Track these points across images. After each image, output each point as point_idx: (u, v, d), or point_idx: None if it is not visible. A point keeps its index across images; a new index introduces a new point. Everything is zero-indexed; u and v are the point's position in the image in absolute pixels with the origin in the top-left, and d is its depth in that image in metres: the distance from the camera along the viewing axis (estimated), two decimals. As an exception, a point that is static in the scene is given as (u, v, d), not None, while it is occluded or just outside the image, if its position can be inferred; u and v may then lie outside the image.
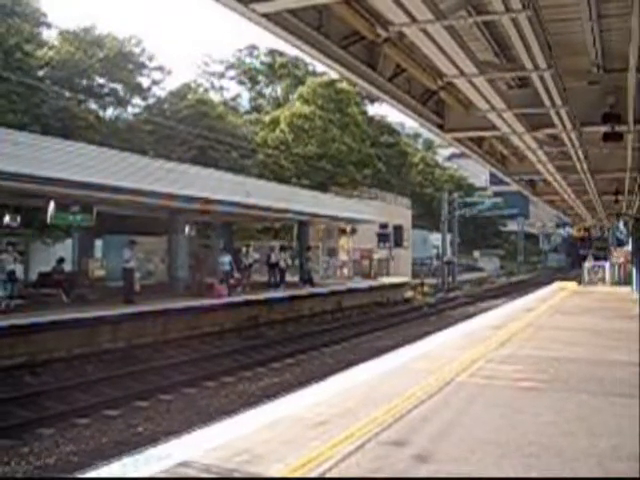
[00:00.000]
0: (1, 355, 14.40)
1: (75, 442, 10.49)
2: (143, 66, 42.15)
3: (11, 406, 11.98)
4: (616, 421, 7.02)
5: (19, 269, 18.15)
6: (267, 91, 57.68)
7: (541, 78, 7.73)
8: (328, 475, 5.34)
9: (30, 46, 33.14)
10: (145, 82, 42.98)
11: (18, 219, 20.11)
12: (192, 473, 5.41)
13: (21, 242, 24.28)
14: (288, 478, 5.28)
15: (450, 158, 78.75)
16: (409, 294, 38.08)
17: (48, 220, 18.79)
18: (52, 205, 18.26)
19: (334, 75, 42.32)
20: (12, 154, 15.53)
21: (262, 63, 56.51)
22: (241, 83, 57.96)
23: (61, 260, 21.51)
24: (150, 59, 42.56)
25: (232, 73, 57.76)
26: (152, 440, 9.58)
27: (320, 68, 45.88)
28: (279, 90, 56.23)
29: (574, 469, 5.52)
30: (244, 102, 57.86)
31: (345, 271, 37.66)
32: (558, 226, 77.33)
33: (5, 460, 9.65)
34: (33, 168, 15.81)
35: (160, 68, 43.75)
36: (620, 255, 34.16)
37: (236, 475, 5.36)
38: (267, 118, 48.13)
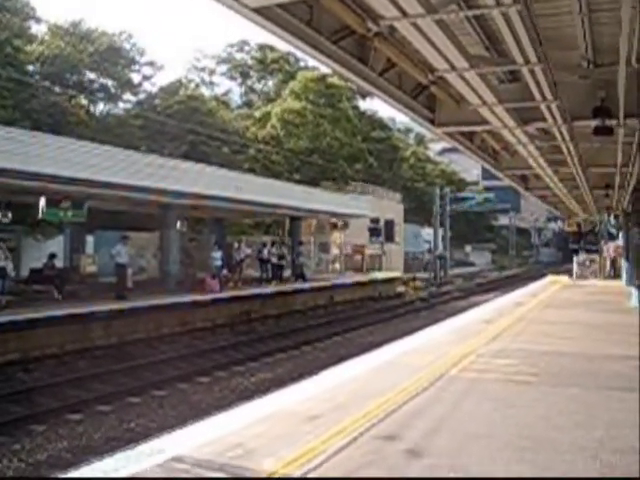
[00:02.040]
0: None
1: (67, 438, 10.46)
2: (134, 61, 41.99)
3: (3, 403, 11.92)
4: (610, 414, 7.03)
5: (9, 266, 18.03)
6: (258, 86, 57.49)
7: (532, 72, 7.76)
8: (323, 466, 5.35)
9: (20, 41, 32.96)
10: (136, 77, 42.88)
11: (9, 215, 20.00)
12: (185, 468, 5.41)
13: (12, 238, 24.15)
14: (279, 478, 5.27)
15: (442, 153, 78.68)
16: (401, 289, 38.12)
17: (39, 216, 18.72)
18: (43, 201, 18.19)
19: (325, 70, 42.22)
20: (2, 149, 15.45)
21: (253, 58, 56.31)
22: (232, 78, 57.75)
23: (52, 256, 21.39)
24: (141, 54, 42.44)
25: (223, 68, 57.54)
26: (145, 436, 9.57)
27: (311, 63, 45.81)
28: (270, 85, 56.09)
29: (568, 462, 5.54)
30: (235, 97, 57.74)
31: (337, 266, 37.69)
32: (549, 220, 77.63)
33: (-3, 457, 9.61)
34: (23, 164, 15.75)
35: (151, 63, 43.64)
36: (611, 249, 34.32)
37: (228, 469, 5.36)
38: (258, 113, 48.02)
